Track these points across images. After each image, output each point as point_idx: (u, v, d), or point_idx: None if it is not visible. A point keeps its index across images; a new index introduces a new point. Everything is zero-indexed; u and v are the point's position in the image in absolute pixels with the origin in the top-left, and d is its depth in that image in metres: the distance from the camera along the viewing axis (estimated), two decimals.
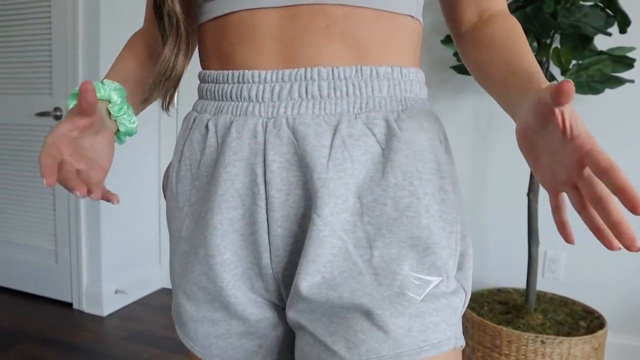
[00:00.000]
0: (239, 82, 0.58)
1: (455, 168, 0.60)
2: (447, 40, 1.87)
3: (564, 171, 0.46)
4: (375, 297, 0.52)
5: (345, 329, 0.52)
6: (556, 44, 1.74)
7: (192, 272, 0.61)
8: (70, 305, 2.56)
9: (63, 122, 0.57)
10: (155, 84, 0.62)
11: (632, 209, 0.39)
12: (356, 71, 0.55)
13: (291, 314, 0.58)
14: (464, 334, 1.73)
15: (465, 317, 1.73)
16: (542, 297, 1.84)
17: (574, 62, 1.68)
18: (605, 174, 0.40)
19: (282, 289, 0.60)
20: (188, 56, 0.63)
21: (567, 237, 0.49)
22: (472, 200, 2.17)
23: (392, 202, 0.53)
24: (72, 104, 0.62)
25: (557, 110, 0.43)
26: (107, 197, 0.56)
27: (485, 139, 2.12)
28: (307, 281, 0.54)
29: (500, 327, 1.60)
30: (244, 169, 0.56)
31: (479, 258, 2.18)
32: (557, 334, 1.60)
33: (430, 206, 0.54)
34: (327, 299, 0.54)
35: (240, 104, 0.58)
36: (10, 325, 2.34)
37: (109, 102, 0.62)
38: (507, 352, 1.60)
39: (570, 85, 0.40)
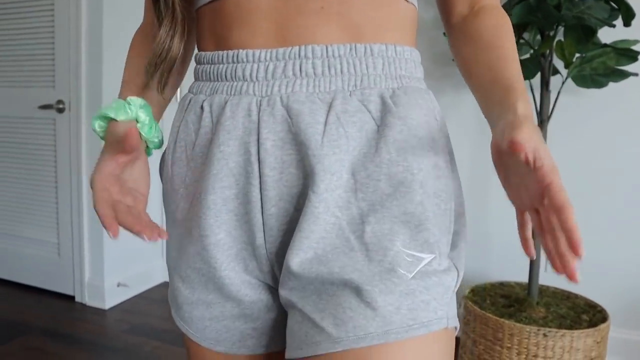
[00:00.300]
0: (233, 61, 0.58)
1: (451, 147, 0.59)
2: None
3: (527, 195, 0.48)
4: (365, 273, 0.52)
5: (334, 305, 0.52)
6: (560, 36, 1.73)
7: (187, 254, 0.61)
8: (72, 298, 2.56)
9: (106, 161, 0.59)
10: (150, 66, 0.62)
11: (573, 252, 0.42)
12: (350, 49, 0.55)
13: (283, 292, 0.57)
14: (462, 321, 1.73)
15: (467, 310, 1.73)
16: (544, 290, 1.84)
17: (577, 55, 1.68)
18: (557, 212, 0.43)
19: (276, 269, 0.60)
20: (184, 39, 0.62)
21: (527, 252, 0.51)
22: (475, 194, 2.17)
23: (386, 178, 0.53)
24: (96, 123, 0.62)
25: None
26: (162, 234, 0.57)
27: (488, 132, 2.12)
28: (299, 257, 0.54)
29: (502, 320, 1.60)
30: (238, 148, 0.56)
31: (482, 251, 2.18)
32: (560, 327, 1.60)
33: (424, 182, 0.53)
34: (318, 275, 0.54)
35: (235, 83, 0.58)
36: (13, 317, 2.35)
37: (137, 121, 0.62)
38: (509, 345, 1.59)
39: (519, 145, 0.43)
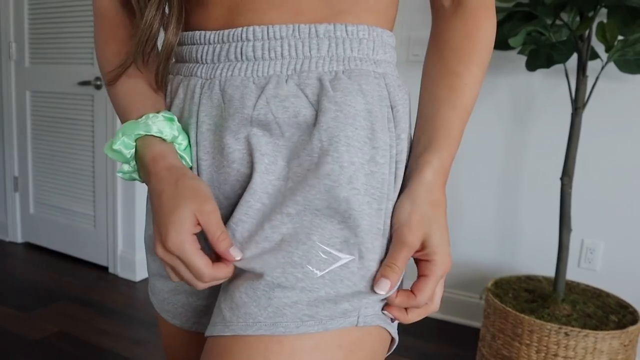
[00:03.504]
0: (191, 43, 0.58)
1: (404, 146, 0.54)
2: None
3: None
4: (270, 263, 0.49)
5: (234, 289, 0.51)
6: (600, 18, 1.61)
7: (151, 229, 0.63)
8: (106, 269, 2.66)
9: (185, 222, 0.49)
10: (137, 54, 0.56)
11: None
12: (293, 30, 0.51)
13: None
14: (482, 314, 1.67)
15: (487, 303, 1.67)
16: (574, 287, 1.75)
17: (619, 37, 1.56)
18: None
19: None
20: (181, 24, 0.57)
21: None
22: (507, 182, 2.08)
23: (315, 168, 0.50)
24: (117, 143, 0.54)
25: None
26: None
27: (523, 118, 2.01)
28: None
29: (522, 315, 1.53)
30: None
31: (510, 244, 2.09)
32: (584, 326, 1.52)
33: (355, 177, 0.49)
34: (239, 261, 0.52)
35: (190, 65, 0.58)
36: (50, 284, 2.46)
37: (173, 142, 0.55)
38: (528, 342, 1.53)
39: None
